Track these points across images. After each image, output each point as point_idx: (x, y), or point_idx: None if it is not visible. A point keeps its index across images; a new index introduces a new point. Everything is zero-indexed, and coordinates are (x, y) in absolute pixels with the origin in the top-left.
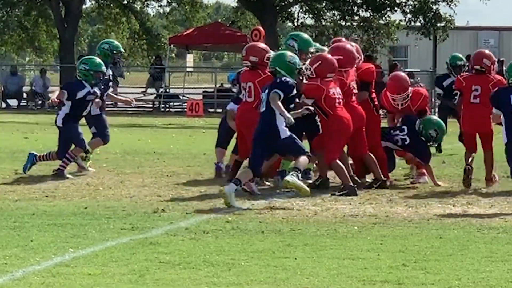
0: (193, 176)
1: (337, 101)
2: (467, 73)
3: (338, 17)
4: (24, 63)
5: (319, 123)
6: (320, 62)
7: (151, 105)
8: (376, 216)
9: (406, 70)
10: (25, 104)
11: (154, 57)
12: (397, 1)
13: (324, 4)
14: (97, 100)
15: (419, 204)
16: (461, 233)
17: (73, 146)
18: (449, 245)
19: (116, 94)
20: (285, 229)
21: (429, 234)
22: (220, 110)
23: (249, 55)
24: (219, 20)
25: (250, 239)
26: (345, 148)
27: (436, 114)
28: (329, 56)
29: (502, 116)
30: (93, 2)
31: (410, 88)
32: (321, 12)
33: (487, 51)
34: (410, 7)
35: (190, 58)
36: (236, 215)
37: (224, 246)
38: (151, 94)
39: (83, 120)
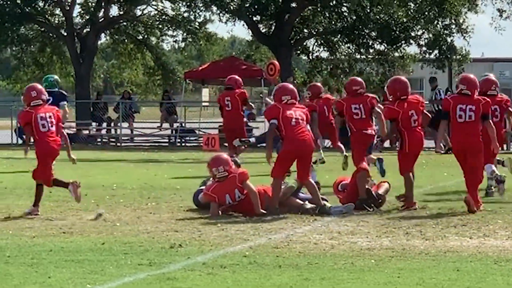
0: (209, 210)
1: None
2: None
3: (353, 50)
4: None
5: None
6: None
7: (167, 140)
8: (393, 249)
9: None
10: None
11: (163, 92)
12: (412, 34)
13: (339, 37)
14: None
15: (436, 236)
16: (478, 265)
17: None
18: (466, 277)
19: (132, 130)
20: (302, 263)
21: (446, 266)
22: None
23: None
24: (234, 54)
25: (268, 274)
26: None
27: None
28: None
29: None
30: (108, 37)
31: None
32: (336, 46)
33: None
34: (425, 39)
35: (205, 93)
36: (253, 249)
37: (241, 280)
38: (167, 129)
39: None
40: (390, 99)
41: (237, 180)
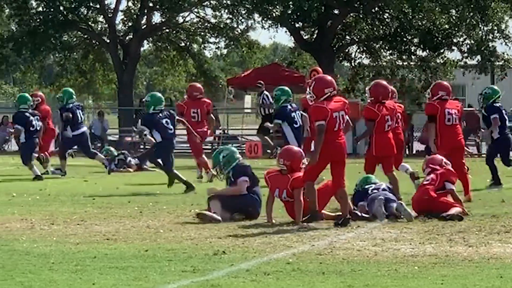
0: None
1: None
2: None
3: (395, 57)
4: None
5: None
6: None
7: (209, 147)
8: (436, 255)
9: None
10: None
11: None
12: (454, 40)
13: (381, 44)
14: None
15: (479, 243)
16: None
17: None
18: (509, 284)
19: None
20: (346, 270)
21: (490, 273)
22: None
23: None
24: (276, 61)
25: (311, 281)
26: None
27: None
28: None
29: None
30: (151, 44)
31: None
32: (378, 52)
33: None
34: (468, 45)
35: (248, 99)
36: (296, 256)
37: (285, 287)
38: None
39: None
40: (370, 101)
41: (289, 183)
